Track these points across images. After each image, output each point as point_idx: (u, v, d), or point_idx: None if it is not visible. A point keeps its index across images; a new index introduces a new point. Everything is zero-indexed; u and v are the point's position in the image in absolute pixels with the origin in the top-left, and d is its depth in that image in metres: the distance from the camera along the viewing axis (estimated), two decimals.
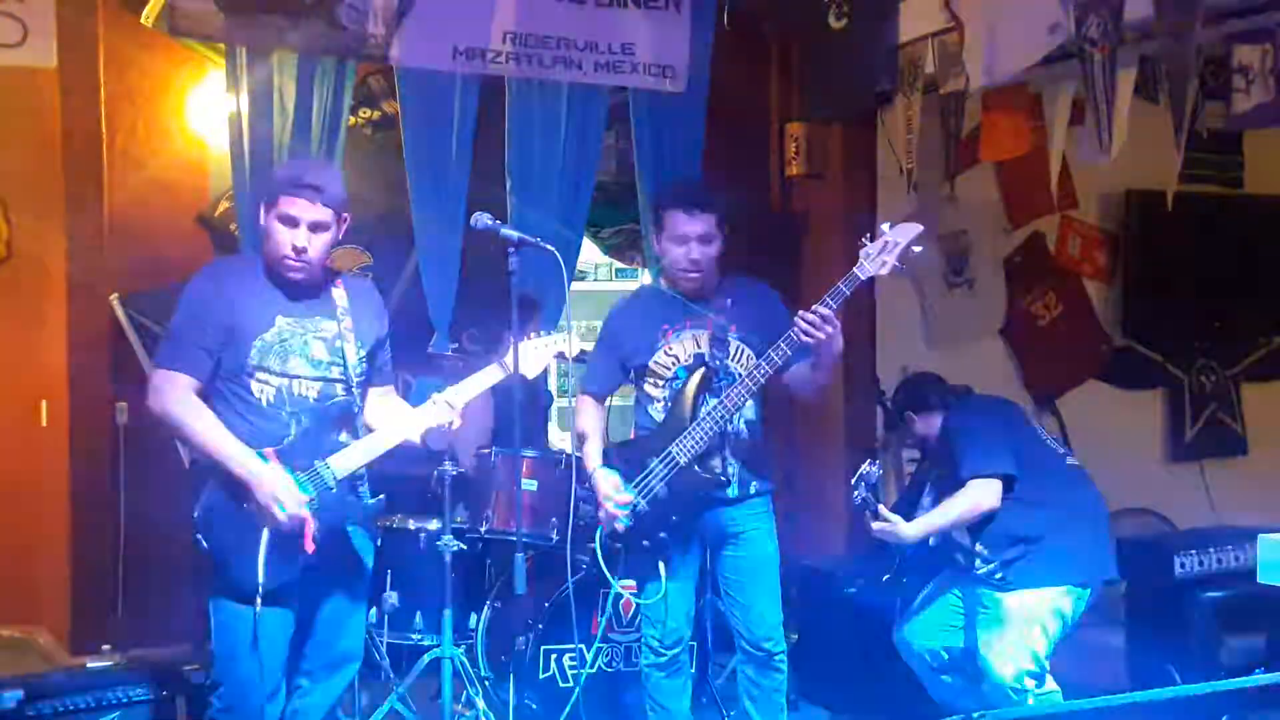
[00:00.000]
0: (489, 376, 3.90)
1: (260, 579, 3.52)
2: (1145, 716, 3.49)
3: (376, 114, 5.76)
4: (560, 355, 4.11)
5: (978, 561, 4.36)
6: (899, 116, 5.41)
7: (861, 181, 6.04)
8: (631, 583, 4.25)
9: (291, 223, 3.61)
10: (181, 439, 3.67)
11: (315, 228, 3.62)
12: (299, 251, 3.61)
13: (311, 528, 3.57)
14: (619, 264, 7.59)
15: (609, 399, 4.37)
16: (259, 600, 3.53)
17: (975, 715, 4.22)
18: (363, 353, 3.76)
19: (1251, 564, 4.54)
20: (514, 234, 3.85)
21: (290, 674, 3.75)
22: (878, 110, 5.72)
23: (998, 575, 4.33)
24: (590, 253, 7.08)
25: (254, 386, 3.61)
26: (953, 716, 4.39)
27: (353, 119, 5.26)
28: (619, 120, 5.51)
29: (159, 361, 3.66)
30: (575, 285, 5.74)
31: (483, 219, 3.87)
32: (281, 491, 3.53)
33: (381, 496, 3.80)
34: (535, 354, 3.92)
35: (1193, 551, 5.02)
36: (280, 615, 3.62)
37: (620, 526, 4.09)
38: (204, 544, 3.58)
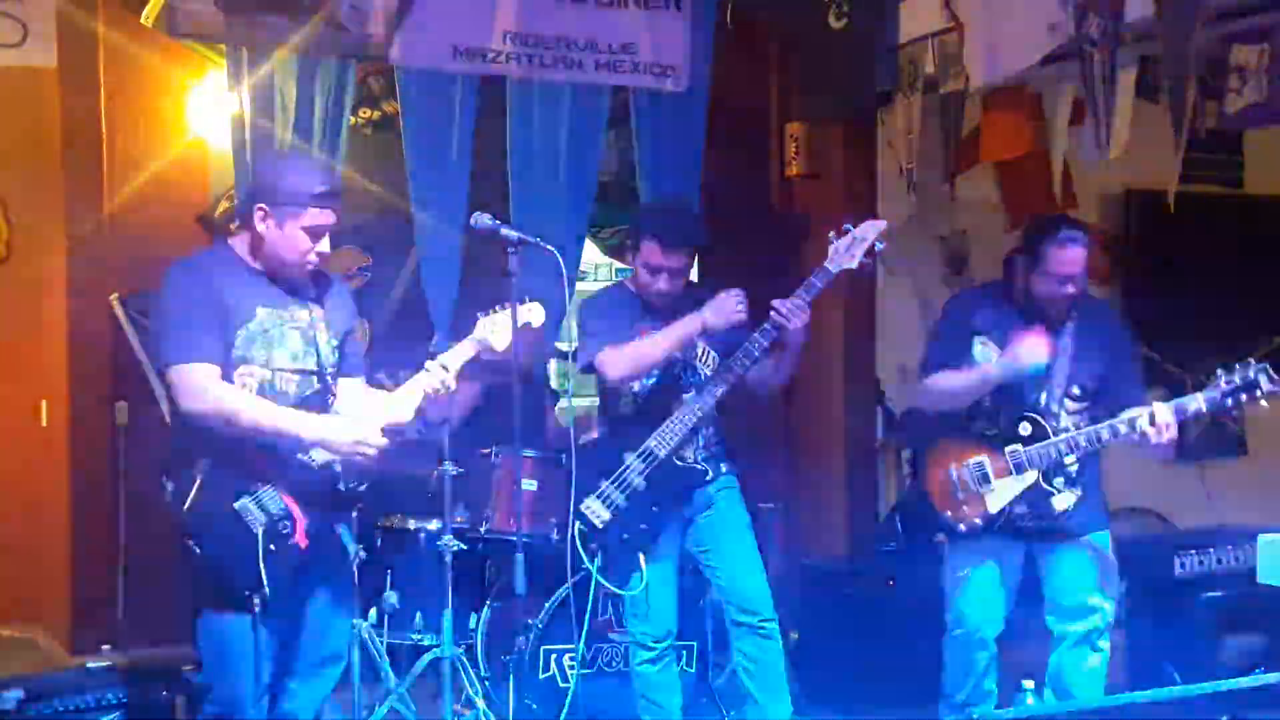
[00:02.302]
0: (472, 343, 3.87)
1: (264, 582, 3.50)
2: (1145, 716, 3.49)
3: (376, 114, 5.76)
4: (561, 355, 4.13)
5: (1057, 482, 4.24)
6: (899, 116, 5.41)
7: (861, 181, 6.04)
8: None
9: (319, 233, 3.63)
10: (235, 428, 3.50)
11: (329, 230, 3.67)
12: (321, 256, 3.66)
13: (302, 524, 3.57)
14: (619, 264, 7.58)
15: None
16: (258, 604, 3.51)
17: (975, 715, 4.24)
18: (334, 342, 3.75)
19: (1251, 564, 4.54)
20: (514, 234, 3.85)
21: (278, 676, 3.72)
22: (878, 110, 5.72)
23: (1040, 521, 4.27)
24: (590, 253, 7.07)
25: (237, 380, 3.57)
26: (952, 716, 4.42)
27: (353, 119, 5.25)
28: (619, 120, 5.51)
29: (173, 359, 3.53)
30: (576, 285, 5.73)
31: (483, 219, 3.88)
32: (361, 432, 3.56)
33: (364, 485, 3.77)
34: (504, 323, 3.88)
35: (1193, 551, 5.02)
36: (274, 619, 3.61)
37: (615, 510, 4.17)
38: (197, 549, 3.52)
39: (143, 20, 4.95)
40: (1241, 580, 4.76)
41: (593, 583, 4.29)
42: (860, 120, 5.87)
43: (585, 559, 4.22)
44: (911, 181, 5.49)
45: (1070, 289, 4.21)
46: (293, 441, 3.58)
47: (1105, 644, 4.31)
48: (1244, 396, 3.94)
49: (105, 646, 5.32)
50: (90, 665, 4.30)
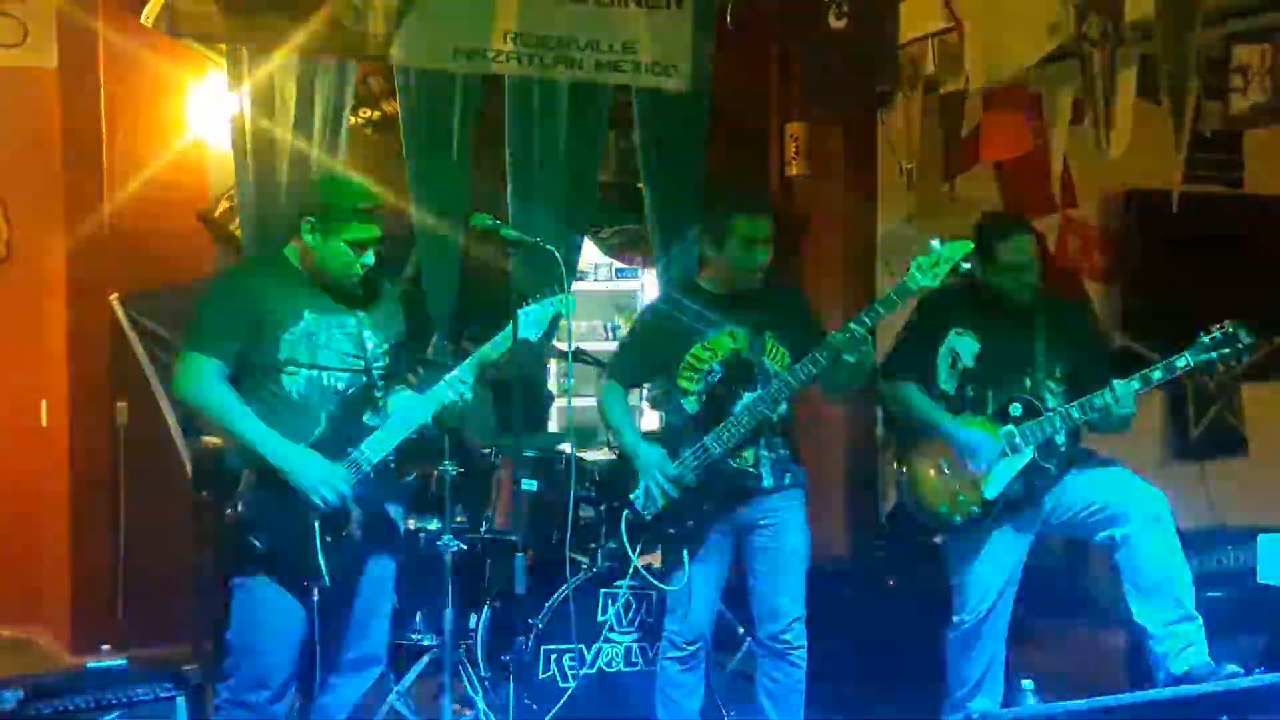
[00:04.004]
0: (495, 348, 3.89)
1: (323, 573, 3.60)
2: (1145, 716, 3.49)
3: (376, 114, 5.76)
4: (562, 353, 4.13)
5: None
6: (899, 116, 5.40)
7: (861, 181, 6.04)
8: (655, 554, 4.31)
9: (363, 246, 3.70)
10: (209, 424, 3.69)
11: (375, 240, 3.73)
12: (366, 267, 3.73)
13: (355, 515, 3.64)
14: (619, 264, 7.59)
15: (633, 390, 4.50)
16: (316, 595, 3.60)
17: (975, 715, 4.25)
18: (386, 346, 3.82)
19: (1251, 564, 4.54)
20: (513, 234, 3.86)
21: (322, 670, 3.78)
22: (878, 110, 5.72)
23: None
24: (590, 253, 7.07)
25: (284, 379, 3.67)
26: (952, 716, 4.43)
27: (353, 119, 5.26)
28: (620, 120, 5.51)
29: (185, 346, 3.70)
30: (575, 285, 5.73)
31: (482, 219, 3.89)
32: (320, 477, 3.60)
33: (413, 475, 3.84)
34: (539, 315, 3.91)
35: (1193, 551, 5.01)
36: (328, 610, 3.67)
37: (665, 498, 4.16)
38: (257, 543, 3.59)
39: (143, 20, 4.94)
40: (1241, 580, 4.75)
41: (630, 573, 4.30)
42: (860, 120, 5.87)
43: (629, 550, 4.22)
44: (911, 181, 5.49)
45: (1027, 278, 4.34)
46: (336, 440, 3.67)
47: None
48: (1227, 350, 4.12)
49: (105, 646, 5.32)
50: (90, 665, 4.29)
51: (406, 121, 5.02)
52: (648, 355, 4.39)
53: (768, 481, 4.24)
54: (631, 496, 4.24)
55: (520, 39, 5.03)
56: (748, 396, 4.19)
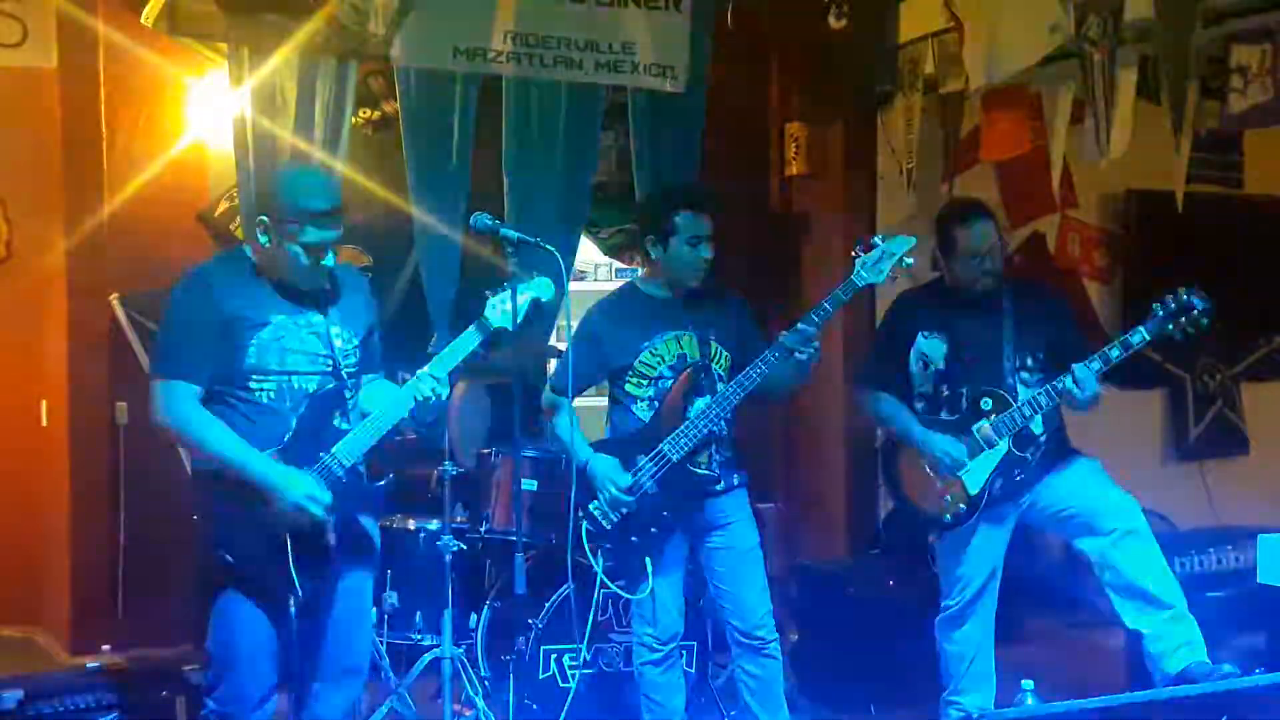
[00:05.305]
0: (468, 339, 3.82)
1: (296, 583, 3.51)
2: (1145, 716, 3.49)
3: (376, 114, 5.76)
4: (559, 354, 4.10)
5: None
6: (899, 116, 5.42)
7: (861, 181, 6.04)
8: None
9: (319, 250, 3.57)
10: (189, 450, 3.55)
11: (334, 242, 3.61)
12: (323, 265, 3.60)
13: (330, 522, 3.57)
14: (619, 264, 7.58)
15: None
16: (292, 604, 3.52)
17: (976, 714, 4.25)
18: (355, 341, 3.72)
19: (1251, 564, 4.54)
20: (513, 234, 3.84)
21: (305, 680, 3.72)
22: (878, 110, 5.72)
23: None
24: (590, 253, 7.07)
25: (253, 385, 3.57)
26: (953, 716, 4.43)
27: (353, 119, 5.26)
28: (619, 120, 5.51)
29: (156, 373, 3.58)
30: (575, 285, 5.73)
31: (482, 219, 3.87)
32: (308, 492, 3.51)
33: (390, 476, 3.77)
34: (512, 304, 3.82)
35: (1193, 551, 5.01)
36: (303, 620, 3.60)
37: (623, 511, 4.15)
38: (228, 557, 3.51)
39: (143, 20, 4.95)
40: (1241, 580, 4.75)
41: (597, 584, 4.28)
42: (860, 120, 5.87)
43: (591, 560, 4.20)
44: (911, 181, 5.49)
45: (988, 264, 4.32)
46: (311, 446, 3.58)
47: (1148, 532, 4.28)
48: (1184, 319, 4.10)
49: (105, 646, 5.32)
50: (90, 665, 4.30)
51: (406, 121, 5.02)
52: (593, 362, 4.29)
53: (723, 483, 4.26)
54: (591, 506, 4.20)
55: (520, 39, 5.03)
56: (699, 401, 4.19)
